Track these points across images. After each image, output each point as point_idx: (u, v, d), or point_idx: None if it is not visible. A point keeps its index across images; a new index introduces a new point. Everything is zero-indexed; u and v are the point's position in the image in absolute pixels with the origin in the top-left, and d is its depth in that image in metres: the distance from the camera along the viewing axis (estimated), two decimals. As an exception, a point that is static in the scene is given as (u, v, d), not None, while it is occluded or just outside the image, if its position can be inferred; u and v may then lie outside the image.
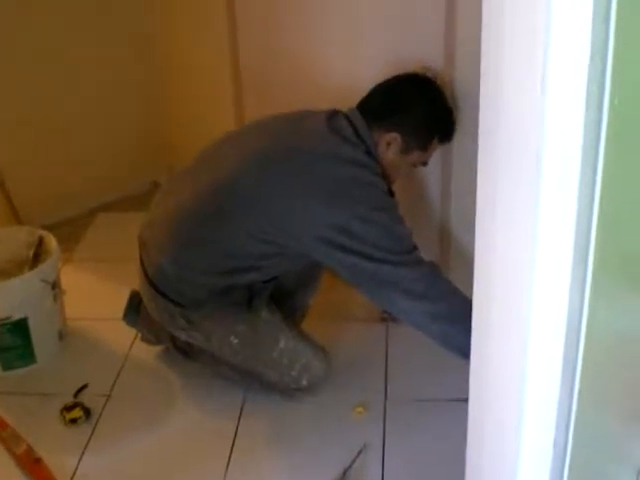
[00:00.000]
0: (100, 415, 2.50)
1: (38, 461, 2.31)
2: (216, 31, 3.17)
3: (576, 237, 1.08)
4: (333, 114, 2.37)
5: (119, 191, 3.77)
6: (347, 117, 2.34)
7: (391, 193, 2.36)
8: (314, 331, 2.60)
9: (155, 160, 3.77)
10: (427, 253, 2.34)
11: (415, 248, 2.24)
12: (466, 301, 2.14)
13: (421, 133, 2.37)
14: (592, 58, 0.96)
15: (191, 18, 3.35)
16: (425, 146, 2.39)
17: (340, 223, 2.18)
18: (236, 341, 2.43)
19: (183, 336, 2.52)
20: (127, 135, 3.72)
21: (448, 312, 2.21)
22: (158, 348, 2.75)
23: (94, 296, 3.07)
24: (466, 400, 1.45)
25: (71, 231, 3.49)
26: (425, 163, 2.46)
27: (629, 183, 1.13)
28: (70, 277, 3.01)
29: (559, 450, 1.26)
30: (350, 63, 2.73)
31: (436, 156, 2.53)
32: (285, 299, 2.63)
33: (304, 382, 2.47)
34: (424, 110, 2.37)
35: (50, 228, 2.92)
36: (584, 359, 1.18)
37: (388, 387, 2.56)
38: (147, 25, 3.56)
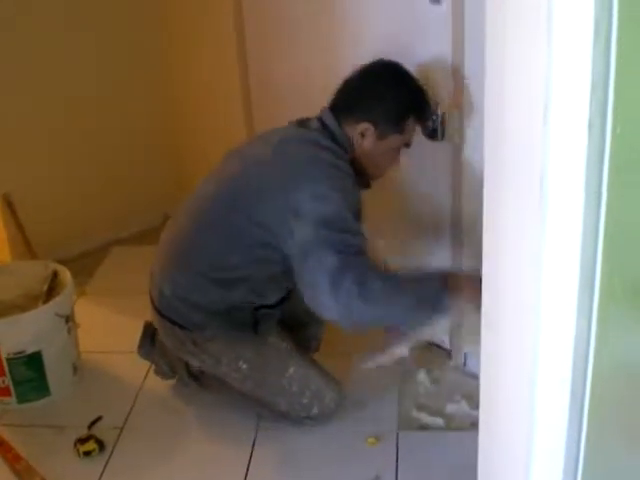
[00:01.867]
0: (114, 448, 2.50)
1: (52, 494, 2.32)
2: (226, 60, 3.22)
3: (582, 265, 1.09)
4: (308, 118, 2.44)
5: (133, 225, 3.80)
6: (318, 117, 2.40)
7: (368, 186, 2.42)
8: (326, 362, 2.61)
9: (168, 194, 3.80)
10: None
11: (361, 245, 2.19)
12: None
13: (392, 116, 2.38)
14: (593, 88, 0.98)
15: (204, 56, 3.40)
16: (400, 128, 2.40)
17: (297, 202, 2.20)
18: (245, 366, 2.45)
19: (195, 362, 2.54)
20: (141, 169, 3.75)
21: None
22: (171, 381, 2.76)
23: (108, 329, 3.09)
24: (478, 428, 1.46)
25: (85, 265, 3.52)
26: (408, 145, 2.45)
27: (633, 210, 1.14)
28: (84, 310, 3.03)
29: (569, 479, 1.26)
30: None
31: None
32: (299, 329, 2.65)
33: (315, 410, 2.47)
34: (389, 93, 2.38)
35: (64, 262, 2.95)
36: (592, 387, 1.18)
37: (400, 417, 2.56)
38: (161, 56, 3.61)
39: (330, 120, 2.37)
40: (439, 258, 2.72)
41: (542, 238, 1.08)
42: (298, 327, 2.66)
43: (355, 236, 2.20)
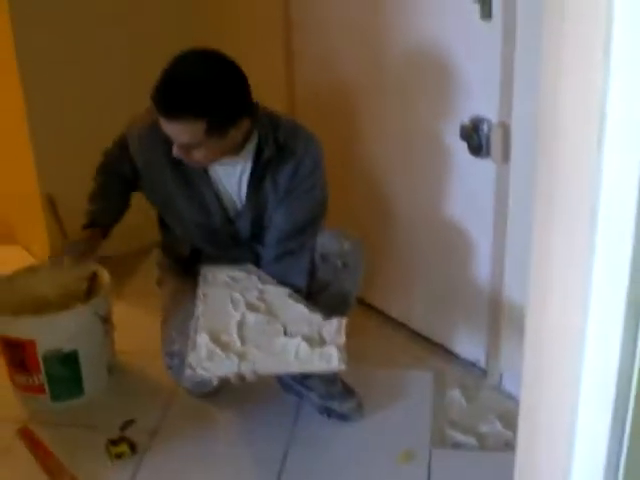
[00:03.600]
0: (146, 451, 2.51)
1: (82, 493, 2.32)
2: (273, 65, 3.23)
3: (630, 289, 1.07)
4: None
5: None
6: None
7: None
8: (358, 376, 2.62)
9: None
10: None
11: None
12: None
13: None
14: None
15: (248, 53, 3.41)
16: None
17: None
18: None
19: None
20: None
21: None
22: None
23: (144, 331, 3.08)
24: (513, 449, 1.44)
25: (125, 266, 3.53)
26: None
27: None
28: (122, 311, 3.04)
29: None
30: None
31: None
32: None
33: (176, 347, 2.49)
34: None
35: (104, 262, 2.95)
36: (634, 412, 1.16)
37: (433, 434, 2.53)
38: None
39: None
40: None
41: (592, 258, 1.07)
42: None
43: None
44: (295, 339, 2.25)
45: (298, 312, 2.35)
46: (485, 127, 2.46)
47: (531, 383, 1.31)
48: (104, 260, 2.92)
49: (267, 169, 2.41)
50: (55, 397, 2.71)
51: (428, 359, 2.91)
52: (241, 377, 2.21)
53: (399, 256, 3.01)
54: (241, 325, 2.33)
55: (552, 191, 1.14)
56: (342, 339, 2.26)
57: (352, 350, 2.63)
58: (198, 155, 2.29)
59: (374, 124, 2.96)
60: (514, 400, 2.60)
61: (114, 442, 2.50)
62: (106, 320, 2.75)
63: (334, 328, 2.29)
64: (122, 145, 2.57)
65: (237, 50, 3.30)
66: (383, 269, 3.08)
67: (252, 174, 2.42)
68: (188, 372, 2.20)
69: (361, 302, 2.67)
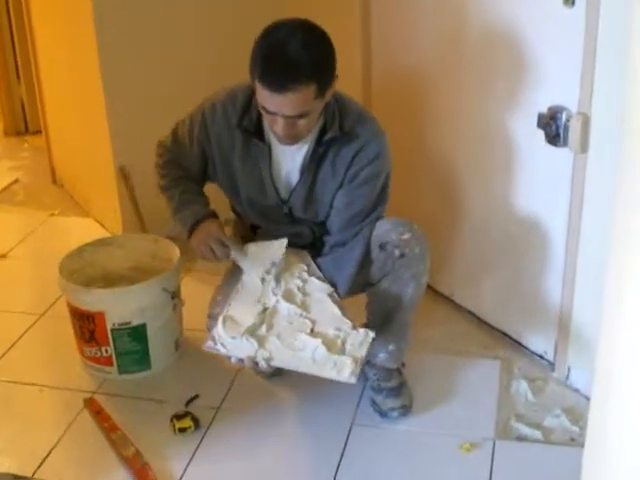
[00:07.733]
0: (209, 427, 2.53)
1: (145, 466, 2.35)
2: (349, 55, 3.20)
3: None
4: None
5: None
6: None
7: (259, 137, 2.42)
8: (424, 361, 2.59)
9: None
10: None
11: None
12: None
13: (250, 68, 2.26)
14: None
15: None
16: (254, 84, 2.26)
17: None
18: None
19: None
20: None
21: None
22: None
23: (211, 308, 3.11)
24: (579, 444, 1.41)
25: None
26: (265, 110, 2.27)
27: None
28: (189, 288, 3.05)
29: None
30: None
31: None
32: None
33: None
34: (253, 47, 2.25)
35: (173, 239, 2.97)
36: None
37: (498, 426, 2.50)
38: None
39: None
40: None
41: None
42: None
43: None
44: (316, 340, 2.25)
45: (331, 314, 2.34)
46: (563, 116, 2.41)
47: (603, 381, 1.28)
48: (174, 237, 2.93)
49: (327, 151, 2.40)
50: (122, 370, 2.75)
51: (494, 348, 2.87)
52: (255, 363, 2.25)
53: (469, 244, 2.98)
54: (274, 312, 2.34)
55: (634, 184, 1.10)
56: (362, 353, 2.23)
57: (418, 336, 2.64)
58: (302, 125, 2.28)
59: (448, 112, 2.92)
60: (581, 395, 2.56)
61: (178, 416, 2.52)
62: (174, 295, 2.77)
63: (358, 340, 2.26)
64: (191, 130, 2.56)
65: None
66: (452, 256, 3.05)
67: (312, 154, 2.41)
68: (209, 343, 2.30)
69: (428, 288, 2.64)
